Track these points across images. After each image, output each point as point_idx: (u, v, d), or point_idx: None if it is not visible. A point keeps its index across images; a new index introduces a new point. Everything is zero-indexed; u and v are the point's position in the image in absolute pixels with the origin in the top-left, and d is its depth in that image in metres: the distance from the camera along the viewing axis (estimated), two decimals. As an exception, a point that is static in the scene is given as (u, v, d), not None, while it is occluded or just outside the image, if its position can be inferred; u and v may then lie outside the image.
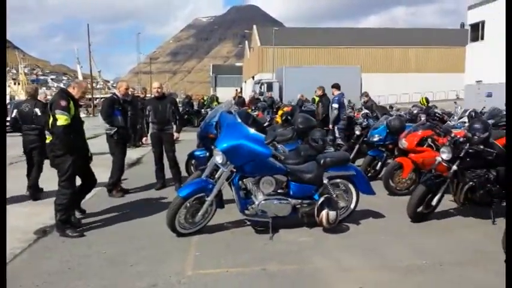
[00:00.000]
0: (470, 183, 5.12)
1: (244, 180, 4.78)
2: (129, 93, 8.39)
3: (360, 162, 7.99)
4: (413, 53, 49.38)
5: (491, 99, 22.22)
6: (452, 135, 5.29)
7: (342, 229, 5.00)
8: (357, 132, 8.94)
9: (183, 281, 3.66)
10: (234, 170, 4.67)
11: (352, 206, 5.24)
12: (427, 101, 13.02)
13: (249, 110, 16.41)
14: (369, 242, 4.61)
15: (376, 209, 5.76)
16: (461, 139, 5.16)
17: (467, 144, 5.08)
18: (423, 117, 10.43)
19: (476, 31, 27.62)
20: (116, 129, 6.57)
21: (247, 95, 32.77)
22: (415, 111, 11.38)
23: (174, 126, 7.22)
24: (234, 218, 5.21)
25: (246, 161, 4.61)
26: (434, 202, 5.22)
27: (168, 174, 7.28)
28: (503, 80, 17.62)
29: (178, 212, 4.59)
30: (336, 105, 9.81)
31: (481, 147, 5.03)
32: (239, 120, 4.80)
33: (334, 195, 5.06)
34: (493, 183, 5.17)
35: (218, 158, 4.60)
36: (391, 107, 15.98)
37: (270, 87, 29.67)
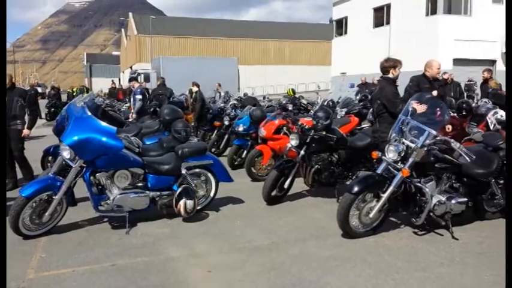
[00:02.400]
0: (316, 166, 5.63)
1: (97, 175, 4.62)
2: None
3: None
4: (288, 46, 52.01)
5: (354, 89, 24.47)
6: (300, 123, 5.74)
7: (201, 217, 5.13)
8: (226, 123, 9.23)
9: (23, 285, 3.44)
10: (84, 165, 4.49)
11: (211, 194, 5.41)
12: (294, 91, 13.92)
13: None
14: (225, 228, 4.81)
15: (237, 195, 6.02)
16: (307, 126, 5.63)
17: (312, 131, 5.57)
18: (290, 107, 11.18)
19: (341, 27, 30.06)
20: (-49, 125, 5.84)
21: (125, 86, 31.51)
22: (283, 102, 12.08)
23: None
24: (91, 215, 5.01)
25: (97, 155, 4.45)
26: (286, 185, 5.64)
27: (20, 173, 6.71)
28: (364, 71, 19.35)
29: (21, 213, 4.27)
30: (139, 96, 9.77)
31: (324, 133, 5.56)
32: (88, 113, 4.61)
33: (193, 185, 5.18)
34: (335, 165, 5.77)
35: (65, 153, 4.39)
36: (264, 97, 16.72)
37: (147, 78, 28.85)
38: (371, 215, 4.35)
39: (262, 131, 6.94)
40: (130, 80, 11.59)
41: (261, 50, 51.12)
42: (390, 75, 5.43)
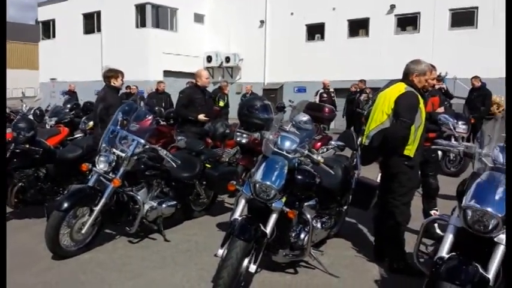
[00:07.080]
0: (20, 184, 5.00)
1: None
2: None
3: None
4: (-16, 45, 44.65)
5: (69, 97, 22.95)
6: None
7: None
8: None
9: None
10: None
11: None
12: (-8, 98, 12.01)
13: None
14: None
15: None
16: (6, 140, 4.92)
17: (13, 144, 4.91)
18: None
19: (48, 29, 27.74)
20: None
21: None
22: (-23, 110, 10.20)
23: None
24: None
25: None
26: (-20, 210, 4.76)
27: None
28: (77, 78, 18.35)
29: None
30: None
31: (27, 146, 4.99)
32: None
33: None
34: (43, 181, 5.26)
35: None
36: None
37: None
38: (84, 231, 4.15)
39: None
40: None
41: None
42: (113, 84, 5.71)
